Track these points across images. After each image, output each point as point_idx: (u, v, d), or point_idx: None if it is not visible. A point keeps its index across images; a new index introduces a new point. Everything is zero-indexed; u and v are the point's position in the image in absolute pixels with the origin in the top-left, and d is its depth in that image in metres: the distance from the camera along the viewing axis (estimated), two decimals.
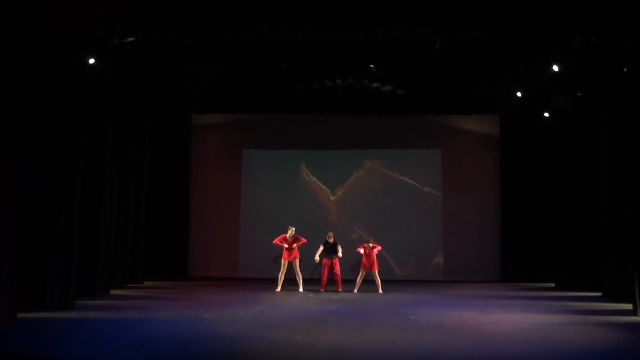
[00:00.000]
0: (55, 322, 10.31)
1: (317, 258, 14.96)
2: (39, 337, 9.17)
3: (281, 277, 15.00)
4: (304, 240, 15.03)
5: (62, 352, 8.17)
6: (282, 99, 15.99)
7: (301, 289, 14.86)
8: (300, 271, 15.07)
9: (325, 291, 14.82)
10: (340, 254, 14.93)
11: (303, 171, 18.79)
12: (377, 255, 14.88)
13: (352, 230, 18.27)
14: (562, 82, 13.92)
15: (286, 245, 14.99)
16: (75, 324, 10.22)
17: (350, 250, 15.78)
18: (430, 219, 18.39)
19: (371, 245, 14.86)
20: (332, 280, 15.01)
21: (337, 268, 14.94)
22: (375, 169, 18.70)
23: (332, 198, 18.66)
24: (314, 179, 18.77)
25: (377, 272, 14.80)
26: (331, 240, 15.03)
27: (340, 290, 14.83)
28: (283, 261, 15.02)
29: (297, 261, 15.00)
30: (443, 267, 18.28)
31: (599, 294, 14.17)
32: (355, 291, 14.71)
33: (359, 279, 14.92)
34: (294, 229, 15.07)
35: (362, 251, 14.86)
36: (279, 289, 14.87)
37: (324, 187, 18.76)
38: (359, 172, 18.68)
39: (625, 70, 12.24)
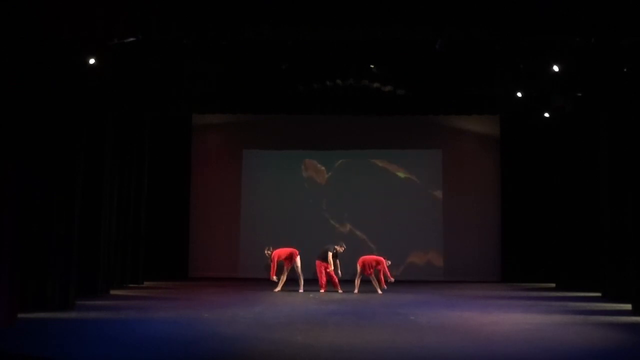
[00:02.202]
0: (55, 322, 10.29)
1: (330, 260, 14.78)
2: (39, 337, 9.16)
3: (283, 277, 14.97)
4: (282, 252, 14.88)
5: (62, 352, 8.16)
6: (282, 99, 15.97)
7: (301, 289, 14.84)
8: (302, 271, 15.05)
9: (325, 291, 14.80)
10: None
11: (303, 171, 18.79)
12: (375, 268, 14.68)
13: (351, 230, 18.27)
14: (562, 82, 13.90)
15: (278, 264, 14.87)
16: (75, 324, 10.20)
17: (351, 252, 15.71)
18: (430, 219, 18.38)
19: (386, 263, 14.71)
20: (330, 281, 14.98)
21: (332, 272, 14.80)
22: (375, 169, 18.69)
23: (331, 198, 18.64)
24: (314, 179, 18.78)
25: (372, 275, 14.73)
26: (342, 250, 14.98)
27: (340, 290, 14.81)
28: (285, 268, 15.01)
29: (298, 261, 14.95)
30: (443, 267, 18.28)
31: (599, 294, 14.17)
32: (356, 291, 14.70)
33: (357, 279, 14.89)
34: (269, 251, 14.92)
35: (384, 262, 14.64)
36: (278, 289, 14.85)
37: (323, 187, 18.76)
38: (359, 172, 18.66)
39: (625, 70, 12.24)
